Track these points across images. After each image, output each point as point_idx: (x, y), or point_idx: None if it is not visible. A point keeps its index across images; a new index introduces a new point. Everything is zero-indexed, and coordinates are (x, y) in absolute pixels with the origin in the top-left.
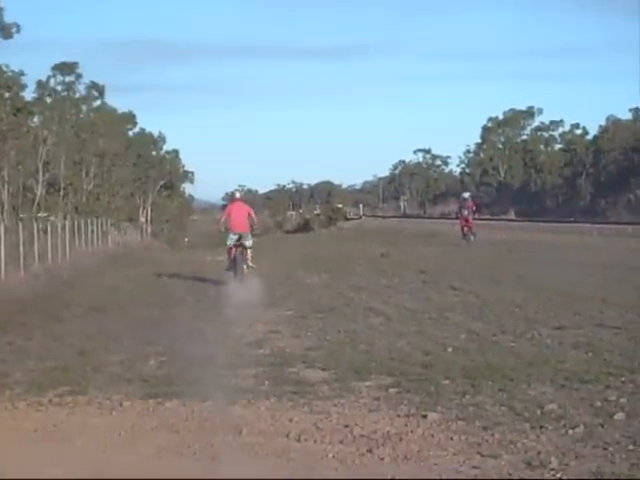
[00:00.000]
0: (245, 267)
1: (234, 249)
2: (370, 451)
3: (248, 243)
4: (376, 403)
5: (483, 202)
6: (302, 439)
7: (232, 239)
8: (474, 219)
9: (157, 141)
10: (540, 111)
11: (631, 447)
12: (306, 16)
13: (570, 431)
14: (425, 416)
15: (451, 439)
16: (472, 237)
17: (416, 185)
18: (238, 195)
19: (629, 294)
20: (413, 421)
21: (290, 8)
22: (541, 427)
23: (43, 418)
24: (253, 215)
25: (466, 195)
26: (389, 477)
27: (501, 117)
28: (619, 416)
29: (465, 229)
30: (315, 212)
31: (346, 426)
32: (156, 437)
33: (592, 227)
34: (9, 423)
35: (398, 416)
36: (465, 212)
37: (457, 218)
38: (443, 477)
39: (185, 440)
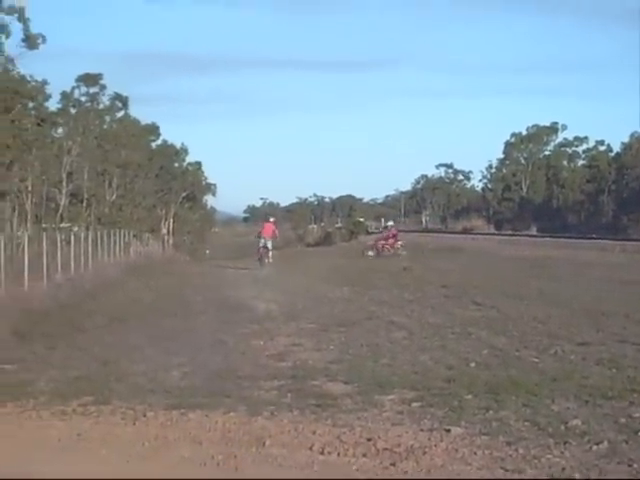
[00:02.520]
0: (266, 260)
1: (261, 249)
2: (394, 464)
3: (269, 245)
4: (399, 417)
5: (504, 218)
6: (325, 452)
7: (261, 242)
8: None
9: (180, 153)
10: (564, 127)
11: None
12: (331, 29)
13: (594, 447)
14: (449, 430)
15: (475, 454)
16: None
17: (438, 200)
18: (271, 219)
19: None
20: (436, 435)
21: (315, 21)
22: (565, 443)
23: (67, 427)
24: (276, 231)
25: (389, 224)
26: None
27: (524, 133)
28: None
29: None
30: (336, 225)
31: (369, 439)
32: (179, 448)
33: (614, 244)
34: (33, 432)
35: (421, 430)
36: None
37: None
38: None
39: (208, 451)
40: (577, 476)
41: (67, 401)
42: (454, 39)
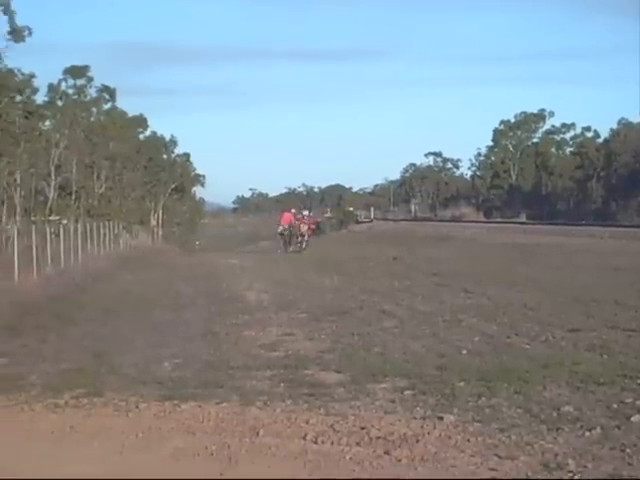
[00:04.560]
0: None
1: (281, 235)
2: (387, 453)
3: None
4: (392, 405)
5: (493, 206)
6: (319, 441)
7: (279, 229)
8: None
9: (168, 144)
10: (552, 114)
11: None
12: (318, 19)
13: (587, 433)
14: (441, 418)
15: (468, 441)
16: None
17: (427, 188)
18: (292, 210)
19: None
20: (429, 423)
21: (302, 11)
22: (558, 429)
23: (60, 420)
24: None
25: (305, 212)
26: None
27: (513, 120)
28: (636, 418)
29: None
30: (326, 215)
31: (362, 428)
32: (173, 439)
33: (603, 230)
34: (26, 425)
35: (414, 418)
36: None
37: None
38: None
39: (202, 442)
40: (571, 463)
41: (59, 394)
42: (443, 29)
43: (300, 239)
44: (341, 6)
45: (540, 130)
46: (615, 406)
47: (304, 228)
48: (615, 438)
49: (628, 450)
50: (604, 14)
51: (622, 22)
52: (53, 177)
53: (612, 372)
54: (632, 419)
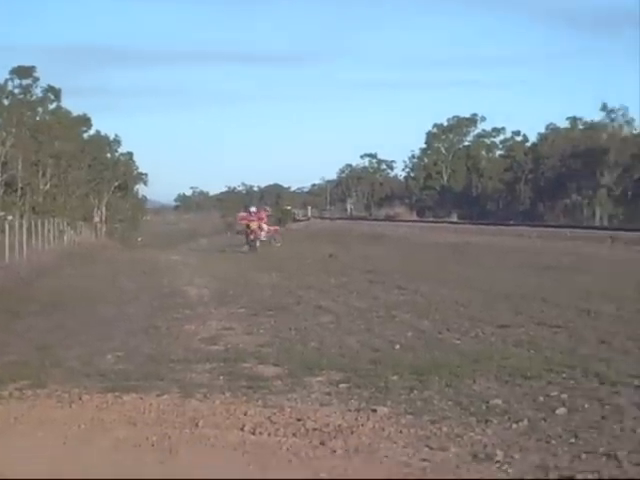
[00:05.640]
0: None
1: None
2: (323, 444)
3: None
4: (327, 398)
5: (426, 206)
6: (257, 432)
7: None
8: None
9: (112, 144)
10: (483, 119)
11: (572, 440)
12: (258, 22)
13: (514, 425)
14: (375, 410)
15: (400, 432)
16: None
17: (362, 188)
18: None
19: (567, 294)
20: (363, 415)
21: (242, 15)
22: (486, 421)
23: (4, 411)
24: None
25: (252, 209)
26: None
27: (445, 124)
28: (561, 411)
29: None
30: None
31: (299, 420)
32: (115, 430)
33: (531, 230)
34: None
35: (349, 410)
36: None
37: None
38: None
39: (143, 433)
40: (499, 454)
41: (3, 385)
42: (378, 34)
43: (253, 237)
44: (279, 11)
45: (471, 134)
46: (541, 399)
47: (254, 225)
48: (541, 430)
49: (553, 441)
50: (533, 22)
51: (553, 30)
52: None
53: (539, 367)
54: (557, 412)
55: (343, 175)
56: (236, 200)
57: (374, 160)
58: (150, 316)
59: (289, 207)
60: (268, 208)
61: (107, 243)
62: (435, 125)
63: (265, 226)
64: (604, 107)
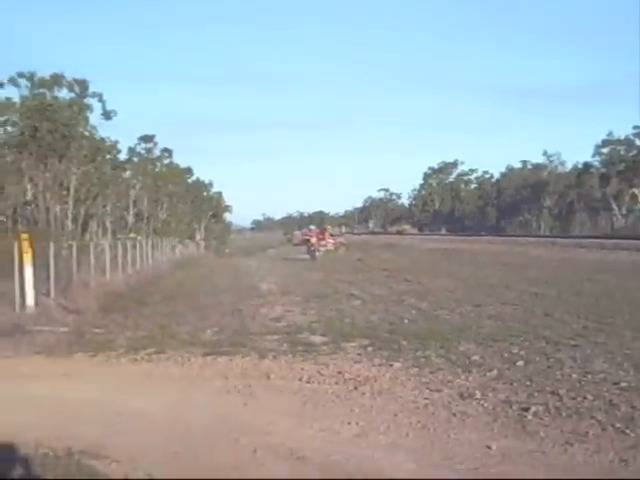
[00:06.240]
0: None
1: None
2: (356, 388)
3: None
4: (359, 357)
5: (424, 223)
6: (310, 381)
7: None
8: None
9: (207, 186)
10: (462, 162)
11: (528, 383)
12: (305, 97)
13: (488, 373)
14: (392, 365)
15: (409, 380)
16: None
17: (379, 212)
18: (312, 227)
19: (522, 282)
20: (383, 368)
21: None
22: (469, 371)
23: (138, 369)
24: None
25: (312, 227)
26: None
27: (436, 166)
28: (520, 363)
29: (312, 248)
30: (298, 235)
31: (339, 372)
32: (213, 381)
33: (496, 239)
34: (116, 373)
35: (374, 365)
36: (313, 238)
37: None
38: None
39: (232, 383)
40: (478, 393)
41: (137, 352)
42: (385, 101)
43: (313, 249)
44: (317, 86)
45: (454, 173)
46: (506, 355)
47: (313, 240)
48: (506, 376)
49: (515, 384)
50: (487, 98)
51: (507, 106)
52: (131, 208)
53: (504, 333)
54: (517, 364)
55: (366, 204)
56: (293, 222)
57: (387, 192)
58: (235, 303)
59: (329, 226)
60: (329, 227)
61: (205, 254)
62: (429, 168)
63: (331, 240)
64: (545, 153)
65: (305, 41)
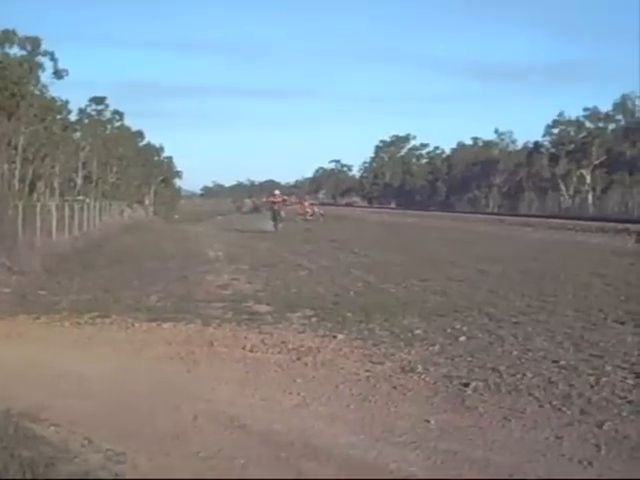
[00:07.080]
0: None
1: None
2: (299, 359)
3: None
4: (303, 327)
5: (374, 196)
6: (254, 350)
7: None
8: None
9: (158, 150)
10: (414, 137)
11: (469, 359)
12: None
13: (430, 348)
14: (335, 336)
15: (352, 352)
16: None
17: (330, 183)
18: (277, 192)
19: (468, 259)
20: (327, 340)
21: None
22: (411, 345)
23: (81, 333)
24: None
25: (276, 192)
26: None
27: (388, 140)
28: (462, 339)
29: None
30: (263, 200)
31: (283, 342)
32: (156, 347)
33: (445, 214)
34: (59, 335)
35: (317, 336)
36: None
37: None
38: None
39: (175, 349)
40: (419, 367)
41: (81, 315)
42: (348, 74)
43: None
44: (283, 58)
45: (406, 147)
46: (449, 330)
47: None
48: (448, 351)
49: (456, 359)
50: (450, 75)
51: (464, 82)
52: (80, 170)
53: (448, 308)
54: (460, 339)
55: (317, 174)
56: (243, 190)
57: (338, 164)
58: (182, 269)
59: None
60: (307, 197)
61: (154, 219)
62: (381, 141)
63: (309, 210)
64: (496, 131)
65: (264, 8)
